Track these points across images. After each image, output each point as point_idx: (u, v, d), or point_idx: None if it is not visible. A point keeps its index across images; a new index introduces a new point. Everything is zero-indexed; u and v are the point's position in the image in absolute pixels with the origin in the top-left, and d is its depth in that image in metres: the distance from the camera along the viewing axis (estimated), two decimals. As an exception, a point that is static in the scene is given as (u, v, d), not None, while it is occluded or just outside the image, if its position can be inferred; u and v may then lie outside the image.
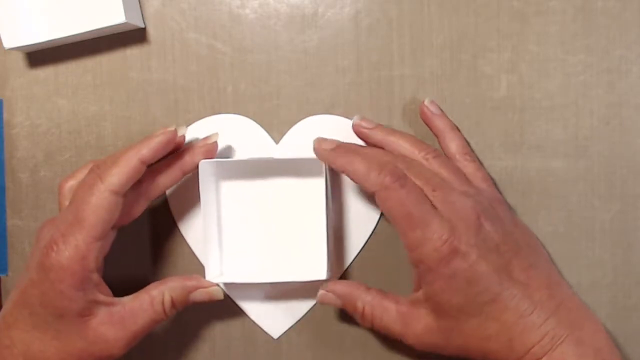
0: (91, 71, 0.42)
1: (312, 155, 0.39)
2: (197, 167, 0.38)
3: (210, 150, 0.39)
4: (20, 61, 0.43)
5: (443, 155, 0.37)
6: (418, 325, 0.35)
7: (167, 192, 0.41)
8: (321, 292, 0.38)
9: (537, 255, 0.35)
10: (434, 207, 0.33)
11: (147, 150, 0.35)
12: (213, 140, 0.39)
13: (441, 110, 0.39)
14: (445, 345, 0.35)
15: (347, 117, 0.40)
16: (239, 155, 0.41)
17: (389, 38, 0.40)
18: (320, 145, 0.37)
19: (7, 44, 0.40)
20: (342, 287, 0.38)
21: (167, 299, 0.36)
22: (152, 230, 0.42)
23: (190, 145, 0.39)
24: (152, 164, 0.37)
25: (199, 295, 0.37)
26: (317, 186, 0.39)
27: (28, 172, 0.43)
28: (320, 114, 0.41)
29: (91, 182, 0.35)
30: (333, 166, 0.37)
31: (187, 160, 0.38)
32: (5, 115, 0.43)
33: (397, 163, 0.35)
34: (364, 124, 0.38)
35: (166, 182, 0.38)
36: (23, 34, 0.40)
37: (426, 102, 0.39)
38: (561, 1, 0.38)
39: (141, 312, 0.36)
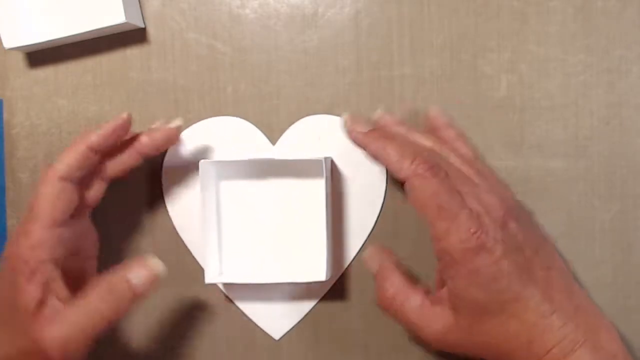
0: (91, 71, 0.42)
1: (311, 155, 0.39)
2: (156, 150, 0.38)
3: (171, 136, 0.39)
4: (20, 61, 0.43)
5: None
6: (438, 323, 0.34)
7: (165, 194, 0.42)
8: (368, 252, 0.38)
9: (554, 258, 0.34)
10: (466, 202, 0.33)
11: (95, 136, 0.36)
12: (175, 124, 0.39)
13: (447, 118, 0.39)
14: (462, 345, 0.34)
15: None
16: (236, 157, 0.41)
17: (389, 38, 0.40)
18: (353, 126, 0.36)
19: (7, 44, 0.40)
20: (377, 260, 0.38)
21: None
22: (150, 233, 0.42)
23: (150, 130, 0.39)
24: (109, 149, 0.37)
25: (137, 280, 0.35)
26: (317, 187, 0.39)
27: (28, 172, 0.43)
28: (318, 114, 0.41)
29: (42, 173, 0.36)
30: (365, 149, 0.36)
31: (145, 142, 0.38)
32: (5, 115, 0.43)
33: (431, 153, 0.35)
34: (387, 119, 0.38)
35: (123, 164, 0.38)
36: (23, 34, 0.40)
37: (432, 114, 0.38)
38: (561, 1, 0.38)
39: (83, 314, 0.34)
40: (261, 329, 0.41)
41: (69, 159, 0.35)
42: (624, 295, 0.39)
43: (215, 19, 0.41)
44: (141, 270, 0.35)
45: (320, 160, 0.38)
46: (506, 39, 0.39)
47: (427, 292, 0.36)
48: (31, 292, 0.33)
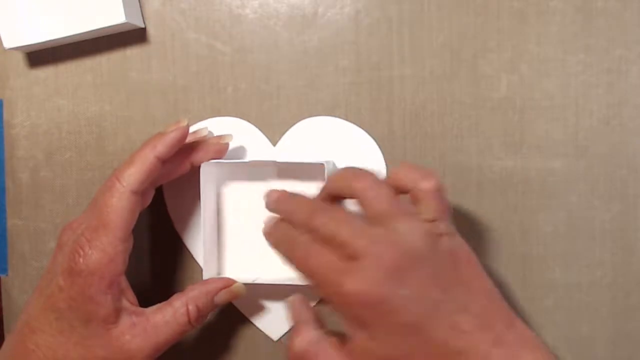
0: (91, 71, 0.42)
1: (312, 157, 0.39)
2: (205, 161, 0.38)
3: (222, 150, 0.39)
4: (20, 61, 0.43)
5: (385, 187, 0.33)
6: None
7: (165, 194, 0.42)
8: (288, 301, 0.36)
9: (472, 288, 0.32)
10: (347, 262, 0.30)
11: (162, 146, 0.36)
12: (227, 140, 0.39)
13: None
14: None
15: (342, 119, 0.40)
16: (236, 157, 0.41)
17: (389, 38, 0.40)
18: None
19: (7, 44, 0.40)
20: (296, 312, 0.36)
21: (192, 309, 0.36)
22: (149, 232, 0.42)
23: (204, 141, 0.39)
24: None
25: (223, 297, 0.37)
26: (317, 190, 0.39)
27: (28, 172, 0.43)
28: (317, 116, 0.40)
29: (110, 184, 0.35)
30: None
31: (199, 155, 0.38)
32: (5, 115, 0.43)
33: (307, 217, 0.33)
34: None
35: (176, 172, 0.39)
36: (23, 34, 0.40)
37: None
38: (561, 1, 0.38)
39: (164, 325, 0.36)
40: (260, 329, 0.41)
41: (140, 172, 0.35)
42: (624, 295, 0.39)
43: (215, 19, 0.41)
44: (225, 294, 0.37)
45: (322, 164, 0.37)
46: (506, 39, 0.39)
47: (341, 344, 0.33)
48: (108, 303, 0.34)
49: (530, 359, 0.31)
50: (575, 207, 0.39)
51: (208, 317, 0.39)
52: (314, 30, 0.40)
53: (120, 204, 0.34)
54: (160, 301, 0.37)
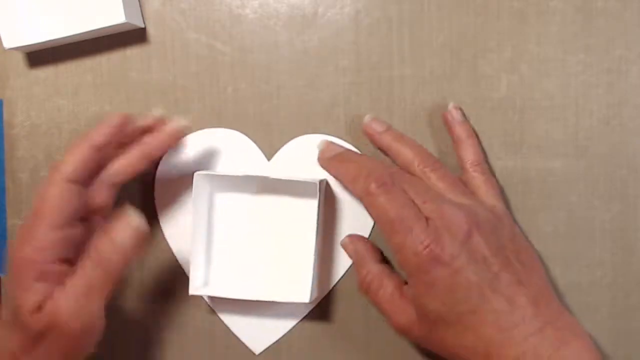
0: (91, 71, 0.42)
1: (305, 175, 0.39)
2: (161, 150, 0.38)
3: (177, 134, 0.38)
4: (20, 61, 0.43)
5: (443, 168, 0.37)
6: (403, 316, 0.35)
7: (157, 203, 0.41)
8: (346, 239, 0.39)
9: (530, 271, 0.34)
10: (422, 216, 0.33)
11: (97, 135, 0.36)
12: (183, 124, 0.38)
13: (464, 116, 0.39)
14: (423, 343, 0.35)
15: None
16: (230, 170, 0.41)
17: (389, 38, 0.40)
18: (322, 153, 0.39)
19: (7, 44, 0.40)
20: (360, 246, 0.39)
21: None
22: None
23: (156, 130, 0.38)
24: (112, 149, 0.37)
25: (122, 240, 0.35)
26: (309, 207, 0.38)
27: (28, 172, 0.43)
28: (314, 133, 0.40)
29: (48, 174, 0.35)
30: (328, 172, 0.39)
31: (152, 144, 0.38)
32: (5, 115, 0.43)
33: (391, 173, 0.35)
34: (374, 126, 0.39)
35: (130, 167, 0.38)
36: (23, 34, 0.40)
37: (450, 107, 0.39)
38: (561, 1, 0.38)
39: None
40: (242, 342, 0.41)
41: (74, 160, 0.35)
42: (624, 295, 0.39)
43: (215, 19, 0.41)
44: (127, 230, 0.34)
45: (315, 183, 0.37)
46: (506, 39, 0.39)
47: (401, 283, 0.37)
48: (38, 290, 0.33)
49: (579, 349, 0.32)
50: (575, 207, 0.39)
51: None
52: (314, 30, 0.40)
53: (54, 192, 0.34)
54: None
